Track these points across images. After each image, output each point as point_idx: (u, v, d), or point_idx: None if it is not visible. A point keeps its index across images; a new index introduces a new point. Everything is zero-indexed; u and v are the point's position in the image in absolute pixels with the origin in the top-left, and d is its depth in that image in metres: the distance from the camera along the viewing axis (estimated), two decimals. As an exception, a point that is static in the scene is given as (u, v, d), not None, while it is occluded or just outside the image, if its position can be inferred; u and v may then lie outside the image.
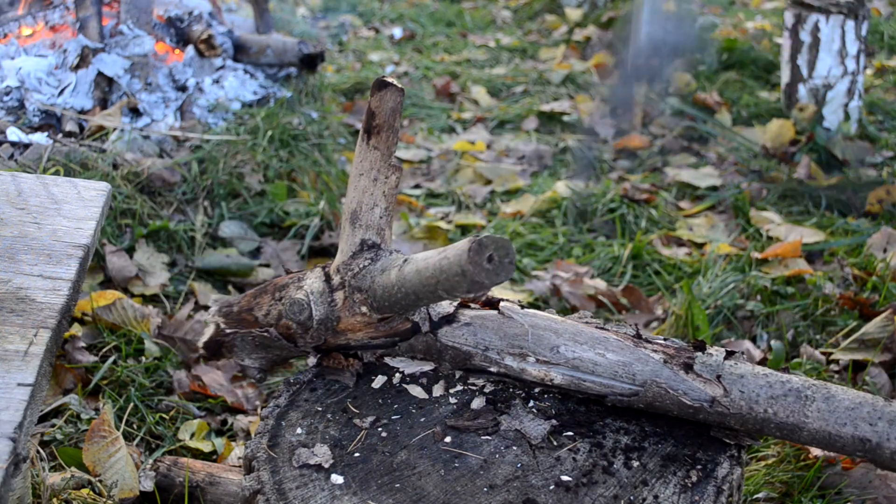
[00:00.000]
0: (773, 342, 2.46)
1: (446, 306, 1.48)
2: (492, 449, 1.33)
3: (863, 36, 4.01)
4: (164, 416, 2.19)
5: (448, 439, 1.35)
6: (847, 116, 4.06)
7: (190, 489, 1.81)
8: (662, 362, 1.37)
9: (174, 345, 2.46)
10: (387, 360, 1.53)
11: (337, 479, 1.28)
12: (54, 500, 1.76)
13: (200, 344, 1.63)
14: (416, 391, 1.46)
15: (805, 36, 4.01)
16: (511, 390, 1.46)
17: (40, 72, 3.26)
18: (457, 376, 1.49)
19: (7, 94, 3.19)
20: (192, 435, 2.15)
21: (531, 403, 1.43)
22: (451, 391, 1.46)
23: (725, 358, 1.37)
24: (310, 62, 3.96)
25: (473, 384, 1.47)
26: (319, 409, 1.43)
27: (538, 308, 1.61)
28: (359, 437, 1.36)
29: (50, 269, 1.50)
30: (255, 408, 2.33)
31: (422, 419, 1.40)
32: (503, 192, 3.83)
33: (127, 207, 2.87)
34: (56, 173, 2.74)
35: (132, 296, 2.62)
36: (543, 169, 4.13)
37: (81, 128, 3.11)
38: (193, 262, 2.86)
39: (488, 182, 3.92)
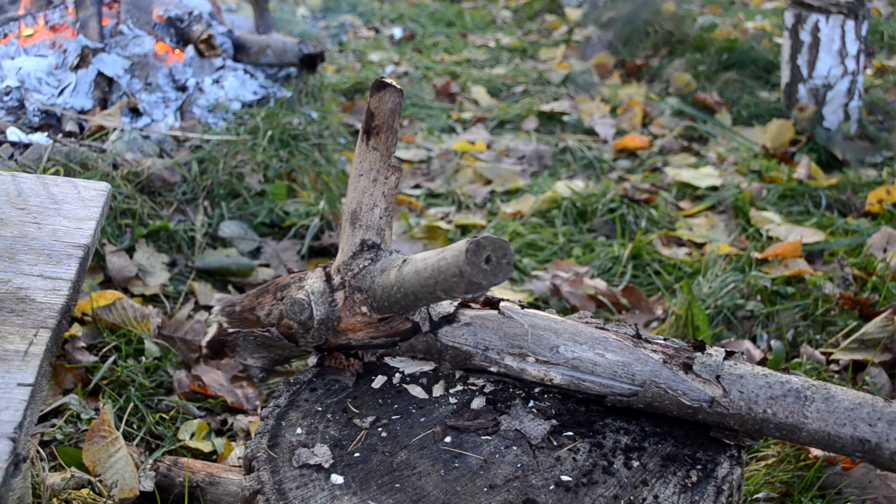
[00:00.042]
0: (773, 342, 2.46)
1: (446, 306, 1.48)
2: (492, 449, 1.33)
3: (863, 36, 4.01)
4: (164, 416, 2.19)
5: (448, 439, 1.35)
6: (847, 116, 4.06)
7: (190, 489, 1.81)
8: (662, 362, 1.37)
9: (174, 345, 2.46)
10: (387, 359, 1.53)
11: (337, 479, 1.28)
12: (54, 500, 1.76)
13: (203, 343, 1.63)
14: (416, 391, 1.46)
15: (805, 36, 4.01)
16: (511, 390, 1.46)
17: (40, 72, 3.26)
18: (457, 376, 1.49)
19: (7, 94, 3.20)
20: (192, 435, 2.15)
21: (531, 403, 1.43)
22: (451, 391, 1.46)
23: (725, 358, 1.37)
24: (310, 62, 3.96)
25: (473, 384, 1.47)
26: (319, 409, 1.43)
27: (538, 308, 1.61)
28: (359, 437, 1.36)
29: (50, 269, 1.50)
30: (255, 408, 2.33)
31: (422, 419, 1.40)
32: (503, 192, 3.83)
33: (127, 207, 2.87)
34: (56, 173, 2.74)
35: (132, 296, 2.62)
36: (543, 169, 4.13)
37: (81, 128, 3.11)
38: (193, 262, 2.86)
39: (488, 182, 3.92)
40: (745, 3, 7.20)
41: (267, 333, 1.53)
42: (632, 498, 1.25)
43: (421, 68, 5.62)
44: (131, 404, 2.17)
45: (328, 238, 3.13)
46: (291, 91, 3.86)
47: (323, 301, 1.47)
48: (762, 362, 2.38)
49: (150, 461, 1.94)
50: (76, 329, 2.38)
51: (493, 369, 1.46)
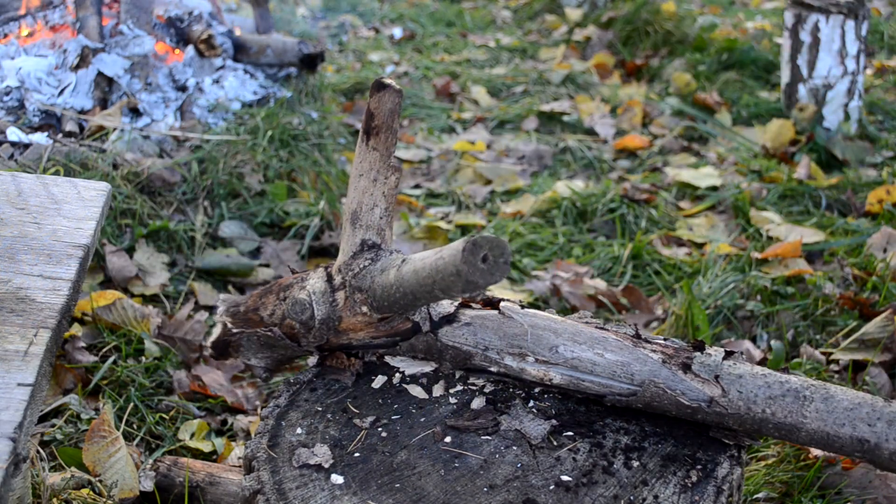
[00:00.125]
0: (773, 342, 2.46)
1: (447, 306, 1.48)
2: (492, 449, 1.34)
3: (863, 36, 4.01)
4: (164, 416, 2.19)
5: (448, 439, 1.35)
6: (847, 116, 4.06)
7: (190, 489, 1.81)
8: (661, 362, 1.37)
9: (174, 345, 2.46)
10: (387, 359, 1.53)
11: (337, 479, 1.28)
12: (54, 500, 1.76)
13: (208, 343, 1.64)
14: (416, 391, 1.46)
15: (805, 36, 4.01)
16: (511, 390, 1.46)
17: (40, 72, 3.26)
18: (457, 376, 1.49)
19: (7, 94, 3.20)
20: (192, 435, 2.15)
21: (531, 403, 1.43)
22: (451, 391, 1.46)
23: (724, 358, 1.37)
24: (310, 62, 3.96)
25: (473, 384, 1.48)
26: (319, 409, 1.43)
27: (538, 308, 1.61)
28: (359, 437, 1.36)
29: (50, 269, 1.50)
30: (255, 408, 2.33)
31: (422, 419, 1.40)
32: (503, 192, 3.83)
33: (127, 207, 2.87)
34: (56, 173, 2.74)
35: (132, 296, 2.62)
36: (543, 169, 4.13)
37: (81, 128, 3.11)
38: (193, 262, 2.86)
39: (488, 182, 3.92)
40: (745, 3, 7.20)
41: (270, 333, 1.53)
42: (632, 498, 1.25)
43: (421, 68, 5.62)
44: (131, 404, 2.17)
45: (328, 238, 3.13)
46: (291, 91, 3.87)
47: (324, 301, 1.47)
48: (762, 362, 2.38)
49: (150, 461, 1.94)
50: (76, 329, 2.38)
51: (493, 369, 1.46)
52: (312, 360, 1.54)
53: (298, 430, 1.38)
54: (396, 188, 1.48)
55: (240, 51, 3.90)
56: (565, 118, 4.66)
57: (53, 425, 2.04)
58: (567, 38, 6.15)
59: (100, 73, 3.30)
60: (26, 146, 2.86)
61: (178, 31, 3.72)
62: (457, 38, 6.49)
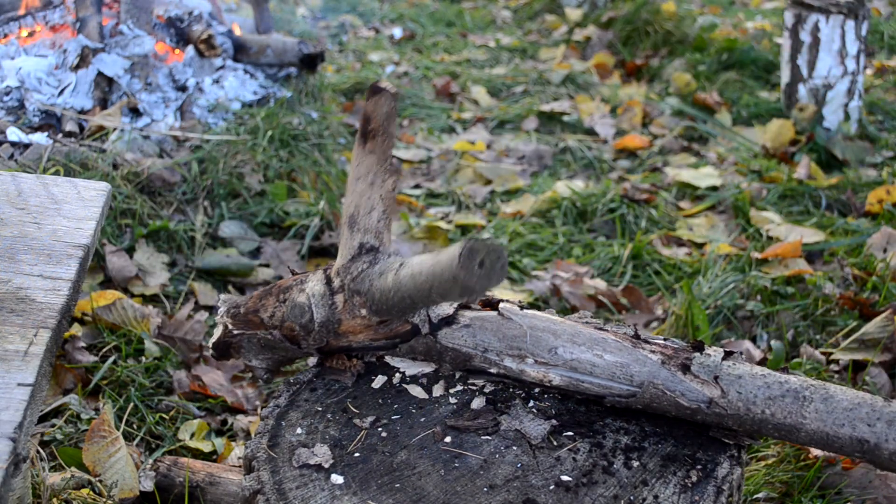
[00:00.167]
0: (773, 342, 2.46)
1: (446, 308, 1.48)
2: (492, 449, 1.34)
3: (863, 36, 4.01)
4: (164, 416, 2.19)
5: (448, 439, 1.35)
6: (847, 116, 4.06)
7: (190, 489, 1.82)
8: (660, 363, 1.37)
9: (174, 345, 2.46)
10: (387, 359, 1.53)
11: (337, 479, 1.28)
12: (54, 500, 1.77)
13: (210, 344, 1.64)
14: (416, 391, 1.46)
15: (805, 36, 4.01)
16: (511, 390, 1.46)
17: (40, 72, 3.26)
18: (457, 376, 1.49)
19: (7, 94, 3.20)
20: (192, 435, 2.15)
21: (531, 403, 1.43)
22: (451, 391, 1.46)
23: (723, 358, 1.37)
24: (310, 62, 3.96)
25: (473, 384, 1.48)
26: (319, 409, 1.43)
27: (538, 308, 1.61)
28: (359, 437, 1.36)
29: (50, 269, 1.50)
30: (255, 408, 2.33)
31: (422, 419, 1.40)
32: (503, 192, 3.83)
33: (127, 207, 2.87)
34: (56, 173, 2.74)
35: (132, 296, 2.62)
36: (543, 169, 4.13)
37: (81, 128, 3.11)
38: (193, 262, 2.86)
39: (488, 182, 3.92)
40: (745, 3, 7.20)
41: (270, 336, 1.53)
42: (632, 498, 1.25)
43: (421, 68, 5.62)
44: (131, 404, 2.17)
45: (328, 238, 3.13)
46: (291, 91, 3.87)
47: (323, 304, 1.47)
48: (762, 362, 2.38)
49: (150, 461, 1.94)
50: (76, 329, 2.38)
51: (492, 371, 1.46)
52: (313, 360, 1.54)
53: (298, 430, 1.38)
54: (394, 191, 1.48)
55: (240, 51, 3.90)
56: (565, 118, 4.66)
57: (53, 425, 2.04)
58: (567, 38, 6.15)
59: (100, 73, 3.30)
60: (26, 146, 2.86)
61: (178, 31, 3.72)
62: (457, 38, 6.49)
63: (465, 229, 3.47)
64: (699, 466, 1.31)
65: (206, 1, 4.11)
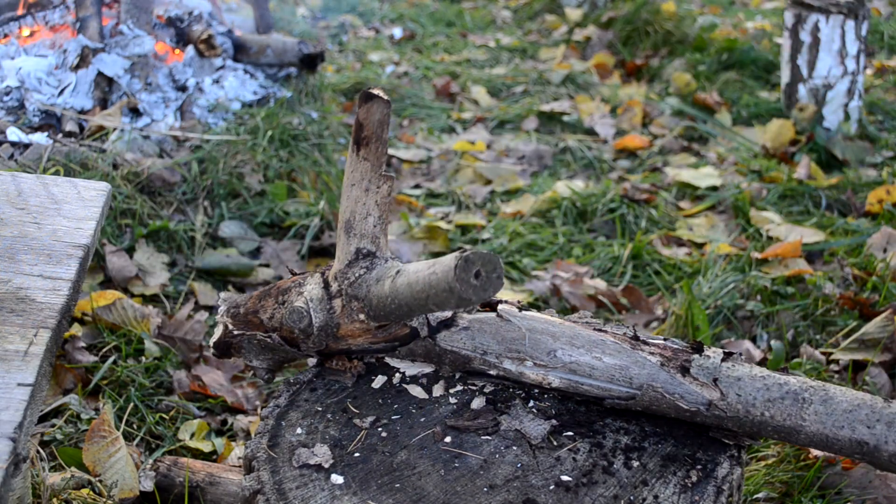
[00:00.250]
0: (773, 342, 2.46)
1: (445, 308, 1.48)
2: (492, 449, 1.34)
3: (863, 36, 4.01)
4: (164, 416, 2.19)
5: (448, 439, 1.35)
6: (847, 116, 4.06)
7: (190, 489, 1.82)
8: (659, 365, 1.37)
9: (174, 345, 2.46)
10: (387, 359, 1.53)
11: (337, 479, 1.28)
12: (54, 500, 1.77)
13: (210, 344, 1.64)
14: (416, 391, 1.46)
15: (805, 36, 4.01)
16: (511, 390, 1.46)
17: (40, 72, 3.26)
18: (457, 376, 1.49)
19: (7, 94, 3.20)
20: (192, 435, 2.15)
21: (531, 403, 1.43)
22: (451, 391, 1.46)
23: (723, 360, 1.37)
24: (310, 62, 3.96)
25: (473, 384, 1.48)
26: (319, 409, 1.43)
27: (538, 308, 1.61)
28: (359, 437, 1.36)
29: (50, 269, 1.50)
30: (255, 408, 2.33)
31: (422, 419, 1.40)
32: (503, 192, 3.83)
33: (127, 207, 2.87)
34: (56, 173, 2.74)
35: (132, 296, 2.62)
36: (543, 169, 4.13)
37: (81, 128, 3.11)
38: (193, 262, 2.86)
39: (488, 182, 3.92)
40: (745, 3, 7.20)
41: (269, 339, 1.53)
42: (632, 498, 1.25)
43: (421, 68, 5.62)
44: (131, 404, 2.17)
45: (328, 238, 3.13)
46: (291, 91, 3.87)
47: (321, 308, 1.47)
48: (762, 362, 2.38)
49: (150, 461, 1.94)
50: (76, 329, 2.38)
51: (492, 373, 1.46)
52: (313, 360, 1.54)
53: (298, 430, 1.38)
54: (389, 196, 1.48)
55: (240, 51, 3.90)
56: (565, 118, 4.66)
57: (53, 425, 2.04)
58: (567, 38, 6.15)
59: (100, 73, 3.30)
60: (26, 146, 2.86)
61: (178, 31, 3.72)
62: (457, 38, 6.49)
63: (465, 229, 3.47)
64: (699, 466, 1.31)
65: (206, 1, 4.11)
